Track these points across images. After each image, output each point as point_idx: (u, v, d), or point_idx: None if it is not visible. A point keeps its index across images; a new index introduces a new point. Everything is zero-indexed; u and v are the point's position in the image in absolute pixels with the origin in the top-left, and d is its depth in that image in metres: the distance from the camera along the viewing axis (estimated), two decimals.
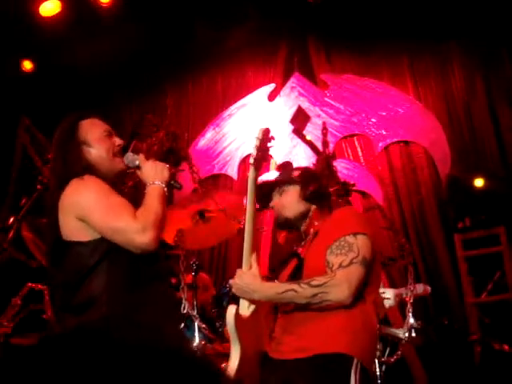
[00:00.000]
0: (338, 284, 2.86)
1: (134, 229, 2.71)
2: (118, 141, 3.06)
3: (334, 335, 2.90)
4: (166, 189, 2.92)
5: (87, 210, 2.77)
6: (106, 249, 2.76)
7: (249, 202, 3.07)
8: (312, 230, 3.28)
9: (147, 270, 2.81)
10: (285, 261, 3.41)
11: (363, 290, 3.00)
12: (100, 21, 7.63)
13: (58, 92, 7.99)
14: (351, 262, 2.91)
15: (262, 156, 3.11)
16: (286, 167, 3.49)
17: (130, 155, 3.04)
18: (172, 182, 3.01)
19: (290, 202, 3.32)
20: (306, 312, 2.96)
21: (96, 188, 2.82)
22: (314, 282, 2.87)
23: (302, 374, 2.86)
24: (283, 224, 3.37)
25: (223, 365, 3.00)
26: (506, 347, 6.39)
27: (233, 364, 2.90)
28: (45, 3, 7.31)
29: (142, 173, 3.00)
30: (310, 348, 2.89)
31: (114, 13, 7.59)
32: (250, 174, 3.11)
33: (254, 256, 3.06)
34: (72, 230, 2.81)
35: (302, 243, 3.31)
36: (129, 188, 3.32)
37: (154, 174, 2.94)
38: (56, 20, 7.39)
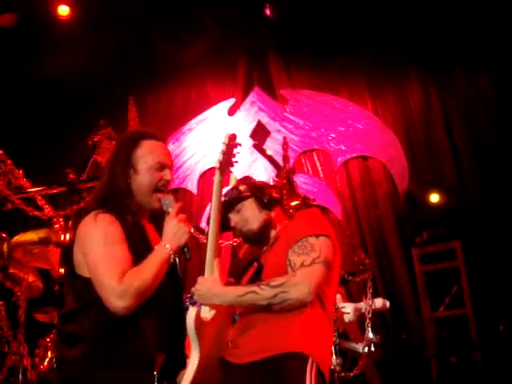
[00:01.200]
0: (299, 283, 2.86)
1: (112, 290, 2.65)
2: (167, 176, 2.98)
3: (289, 335, 2.90)
4: (173, 256, 2.83)
5: (86, 249, 2.75)
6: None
7: (213, 207, 3.05)
8: (273, 234, 3.28)
9: (134, 321, 2.74)
10: (245, 267, 3.40)
11: (322, 293, 3.01)
12: (58, 34, 7.59)
13: (17, 103, 7.90)
14: (313, 262, 2.91)
15: (228, 161, 3.09)
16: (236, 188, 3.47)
17: (169, 198, 2.95)
18: (185, 250, 2.89)
19: (250, 215, 3.30)
20: (262, 314, 2.96)
21: (103, 231, 2.76)
22: (273, 283, 2.87)
23: (258, 377, 2.86)
24: (252, 238, 3.34)
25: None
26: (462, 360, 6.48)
27: (191, 367, 2.87)
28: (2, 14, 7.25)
29: (165, 224, 2.89)
30: (266, 349, 2.89)
31: (72, 26, 7.56)
32: (216, 177, 3.09)
33: (215, 262, 3.04)
34: (77, 262, 2.79)
35: (264, 248, 3.30)
36: None
37: (172, 235, 2.84)
38: (13, 32, 7.34)
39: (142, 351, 2.72)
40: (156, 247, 2.83)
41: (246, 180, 3.49)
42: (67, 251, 2.86)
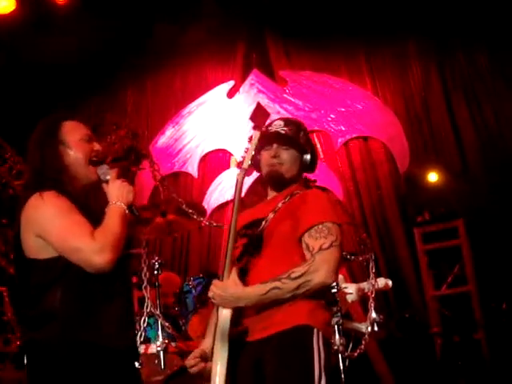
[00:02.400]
0: (319, 267, 2.85)
1: (91, 249, 2.65)
2: (96, 146, 3.00)
3: (293, 311, 2.91)
4: (127, 211, 2.84)
5: (45, 228, 2.73)
6: (62, 267, 2.70)
7: (235, 209, 3.03)
8: (286, 194, 3.20)
9: (104, 290, 2.75)
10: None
11: None
12: (57, 19, 7.55)
13: (15, 92, 7.87)
14: (331, 245, 2.91)
15: (254, 160, 3.08)
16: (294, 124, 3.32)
17: (104, 167, 2.97)
18: (132, 208, 2.89)
19: (294, 164, 3.23)
20: None
21: (55, 205, 2.75)
22: (294, 274, 2.84)
23: (269, 351, 2.87)
24: (280, 181, 3.23)
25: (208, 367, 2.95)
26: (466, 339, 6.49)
27: (222, 368, 2.87)
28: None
29: (107, 189, 2.92)
30: (272, 325, 2.91)
31: (70, 11, 7.51)
32: (239, 177, 3.05)
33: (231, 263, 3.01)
34: (31, 247, 2.76)
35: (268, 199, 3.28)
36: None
37: (119, 194, 2.87)
38: (11, 18, 7.29)
39: (115, 322, 2.75)
40: (108, 207, 2.85)
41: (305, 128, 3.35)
42: (15, 240, 2.86)
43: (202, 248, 7.89)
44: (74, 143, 2.95)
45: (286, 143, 3.20)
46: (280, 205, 3.12)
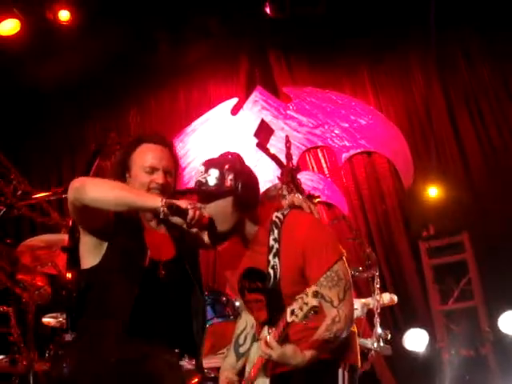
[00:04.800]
0: (346, 322, 2.80)
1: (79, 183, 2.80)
2: (158, 179, 2.98)
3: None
4: (161, 207, 2.70)
5: None
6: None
7: None
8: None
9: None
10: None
11: None
12: (61, 39, 7.61)
13: (20, 111, 7.92)
14: (345, 291, 2.87)
15: None
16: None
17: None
18: (173, 211, 2.75)
19: (222, 214, 3.01)
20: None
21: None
22: (328, 337, 2.73)
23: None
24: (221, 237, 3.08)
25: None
26: (472, 353, 6.46)
27: None
28: (3, 22, 7.27)
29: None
30: None
31: (74, 31, 7.57)
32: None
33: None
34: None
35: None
36: None
37: (177, 201, 2.80)
38: (16, 39, 7.36)
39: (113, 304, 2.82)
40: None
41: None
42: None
43: (208, 266, 7.87)
44: (136, 173, 3.01)
45: (207, 200, 2.98)
46: (276, 248, 2.94)
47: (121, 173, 3.02)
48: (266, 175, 8.03)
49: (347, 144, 8.08)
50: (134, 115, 8.77)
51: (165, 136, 3.24)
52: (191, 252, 3.18)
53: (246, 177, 3.03)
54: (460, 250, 7.04)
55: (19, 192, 5.91)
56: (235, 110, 8.51)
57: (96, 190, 2.75)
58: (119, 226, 2.90)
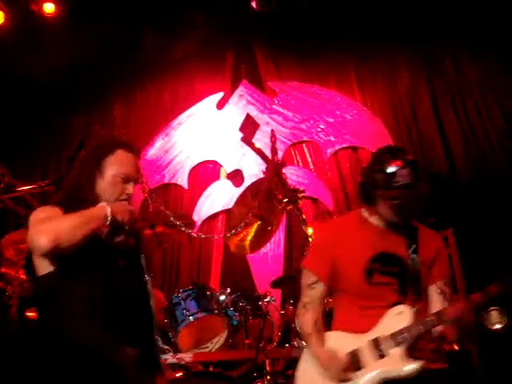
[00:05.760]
0: None
1: (34, 231, 2.82)
2: (129, 190, 3.10)
3: None
4: (109, 218, 2.90)
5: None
6: None
7: None
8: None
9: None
10: None
11: None
12: (45, 31, 7.56)
13: (3, 102, 7.86)
14: None
15: None
16: None
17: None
18: (120, 225, 2.99)
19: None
20: None
21: (41, 211, 2.96)
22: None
23: None
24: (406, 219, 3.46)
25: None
26: (456, 347, 6.48)
27: None
28: None
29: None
30: None
31: (59, 23, 7.53)
32: None
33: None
34: None
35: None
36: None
37: (118, 205, 2.99)
38: (0, 31, 7.31)
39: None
40: (98, 204, 2.96)
41: None
42: None
43: (192, 260, 7.87)
44: (109, 177, 3.07)
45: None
46: (415, 246, 3.38)
47: (93, 169, 3.08)
48: (251, 169, 8.04)
49: (332, 139, 8.09)
50: (119, 109, 8.73)
51: (138, 147, 3.35)
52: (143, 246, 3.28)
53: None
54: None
55: (2, 185, 5.88)
56: (221, 104, 8.50)
57: (55, 240, 2.78)
58: None
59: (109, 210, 2.90)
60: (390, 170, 3.26)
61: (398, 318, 3.19)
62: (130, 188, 3.09)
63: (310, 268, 3.42)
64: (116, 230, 2.99)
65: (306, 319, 3.36)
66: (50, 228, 2.78)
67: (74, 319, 2.83)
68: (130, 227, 3.03)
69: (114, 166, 3.08)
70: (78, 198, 3.01)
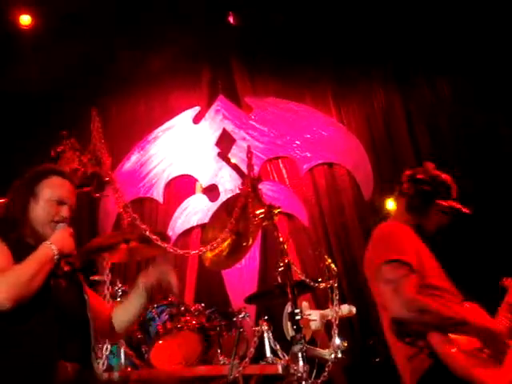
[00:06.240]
0: None
1: None
2: (64, 212, 3.12)
3: None
4: (56, 257, 2.95)
5: None
6: None
7: None
8: None
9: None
10: None
11: None
12: (19, 44, 7.53)
13: None
14: None
15: None
16: None
17: (62, 226, 3.09)
18: (69, 261, 3.09)
19: None
20: None
21: None
22: None
23: None
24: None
25: None
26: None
27: None
28: None
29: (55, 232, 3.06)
30: None
31: (33, 36, 7.50)
32: None
33: None
34: None
35: None
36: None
37: (59, 239, 3.01)
38: None
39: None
40: (41, 246, 2.96)
41: None
42: None
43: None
44: (43, 201, 3.11)
45: None
46: None
47: (26, 197, 3.11)
48: (227, 184, 8.05)
49: (308, 155, 8.12)
50: (95, 123, 8.67)
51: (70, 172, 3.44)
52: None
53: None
54: None
55: None
56: (197, 119, 8.50)
57: (16, 300, 2.78)
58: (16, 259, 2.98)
59: (54, 248, 2.94)
60: (447, 184, 3.54)
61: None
62: (65, 210, 3.13)
63: (402, 258, 3.31)
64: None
65: (436, 306, 3.21)
66: (6, 287, 2.78)
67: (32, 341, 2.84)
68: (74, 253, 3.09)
69: (48, 190, 3.13)
70: (12, 224, 3.05)
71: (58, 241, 2.98)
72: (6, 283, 2.78)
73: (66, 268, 3.15)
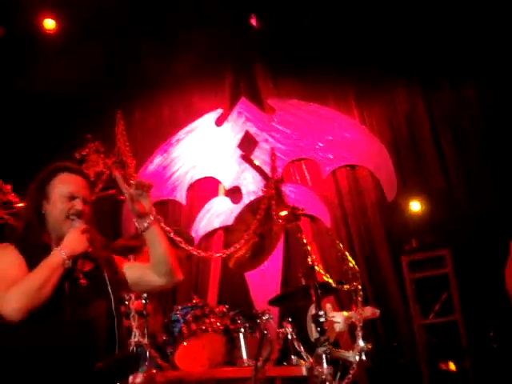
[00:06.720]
0: None
1: (1, 299, 2.84)
2: (78, 205, 3.15)
3: None
4: (67, 261, 2.98)
5: None
6: None
7: None
8: None
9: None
10: None
11: None
12: (46, 48, 7.58)
13: (2, 118, 7.87)
14: None
15: None
16: None
17: (78, 222, 3.13)
18: (90, 257, 3.10)
19: None
20: None
21: None
22: None
23: None
24: None
25: None
26: (453, 367, 6.50)
27: None
28: None
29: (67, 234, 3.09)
30: None
31: (58, 40, 7.55)
32: None
33: None
34: None
35: None
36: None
37: (69, 242, 3.03)
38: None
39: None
40: (52, 252, 3.01)
41: None
42: None
43: (191, 277, 7.86)
44: (55, 199, 3.16)
45: None
46: None
47: (38, 200, 3.17)
48: (250, 186, 8.06)
49: (331, 157, 8.11)
50: (119, 126, 8.72)
51: (80, 167, 3.47)
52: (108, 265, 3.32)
53: None
54: (441, 265, 7.09)
55: (2, 200, 5.88)
56: (220, 121, 8.52)
57: (27, 310, 2.85)
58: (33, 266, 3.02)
59: (63, 253, 2.98)
60: None
61: None
62: (78, 204, 3.15)
63: None
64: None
65: None
66: (15, 299, 2.84)
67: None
68: (92, 248, 3.12)
69: (57, 188, 3.17)
70: (29, 230, 3.13)
71: (67, 244, 3.01)
72: (15, 295, 2.84)
73: (88, 267, 3.17)
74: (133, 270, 3.42)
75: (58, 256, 2.97)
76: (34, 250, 3.04)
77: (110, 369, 3.05)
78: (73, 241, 3.03)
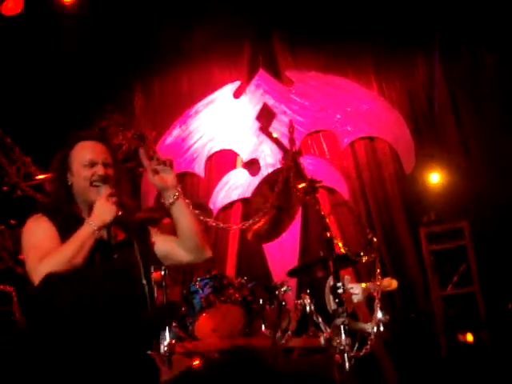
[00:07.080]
0: None
1: (32, 268, 2.95)
2: (99, 171, 3.19)
3: None
4: (97, 232, 3.03)
5: (22, 248, 3.12)
6: None
7: None
8: None
9: None
10: None
11: None
12: (62, 20, 7.58)
13: (24, 90, 7.90)
14: None
15: None
16: None
17: (104, 188, 3.15)
18: (108, 228, 3.09)
19: None
20: None
21: (29, 230, 3.14)
22: None
23: None
24: None
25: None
26: (471, 338, 6.51)
27: None
28: (6, 2, 7.24)
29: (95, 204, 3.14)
30: None
31: (78, 11, 7.55)
32: None
33: None
34: None
35: None
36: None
37: (98, 213, 3.07)
38: (18, 18, 7.34)
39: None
40: (85, 220, 3.07)
41: None
42: None
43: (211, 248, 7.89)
44: (77, 170, 3.21)
45: None
46: None
47: (62, 173, 3.24)
48: (268, 159, 8.06)
49: (349, 129, 8.08)
50: (138, 98, 8.74)
51: (98, 132, 3.52)
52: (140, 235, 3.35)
53: None
54: (460, 237, 7.09)
55: (22, 172, 5.92)
56: (238, 93, 8.50)
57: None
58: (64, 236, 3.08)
59: (93, 225, 3.02)
60: None
61: None
62: (99, 169, 3.19)
63: None
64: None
65: None
66: (49, 270, 2.89)
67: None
68: (123, 210, 3.15)
69: (77, 158, 3.22)
70: (59, 203, 3.20)
71: (96, 214, 3.05)
72: (47, 267, 2.89)
73: (120, 236, 3.21)
74: (162, 243, 3.43)
75: (88, 228, 3.01)
76: (65, 221, 3.10)
77: (156, 316, 3.13)
78: (101, 210, 3.06)
